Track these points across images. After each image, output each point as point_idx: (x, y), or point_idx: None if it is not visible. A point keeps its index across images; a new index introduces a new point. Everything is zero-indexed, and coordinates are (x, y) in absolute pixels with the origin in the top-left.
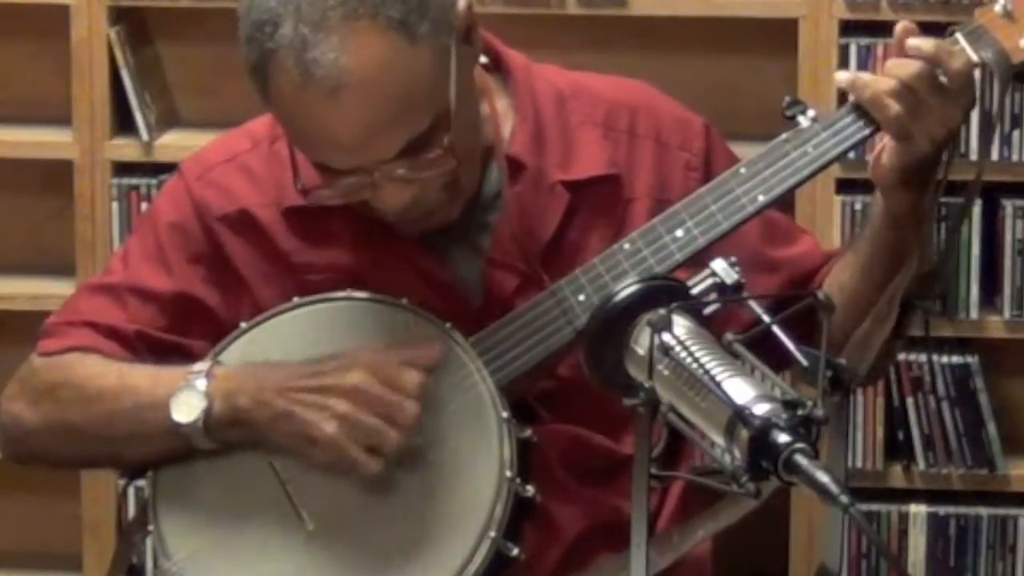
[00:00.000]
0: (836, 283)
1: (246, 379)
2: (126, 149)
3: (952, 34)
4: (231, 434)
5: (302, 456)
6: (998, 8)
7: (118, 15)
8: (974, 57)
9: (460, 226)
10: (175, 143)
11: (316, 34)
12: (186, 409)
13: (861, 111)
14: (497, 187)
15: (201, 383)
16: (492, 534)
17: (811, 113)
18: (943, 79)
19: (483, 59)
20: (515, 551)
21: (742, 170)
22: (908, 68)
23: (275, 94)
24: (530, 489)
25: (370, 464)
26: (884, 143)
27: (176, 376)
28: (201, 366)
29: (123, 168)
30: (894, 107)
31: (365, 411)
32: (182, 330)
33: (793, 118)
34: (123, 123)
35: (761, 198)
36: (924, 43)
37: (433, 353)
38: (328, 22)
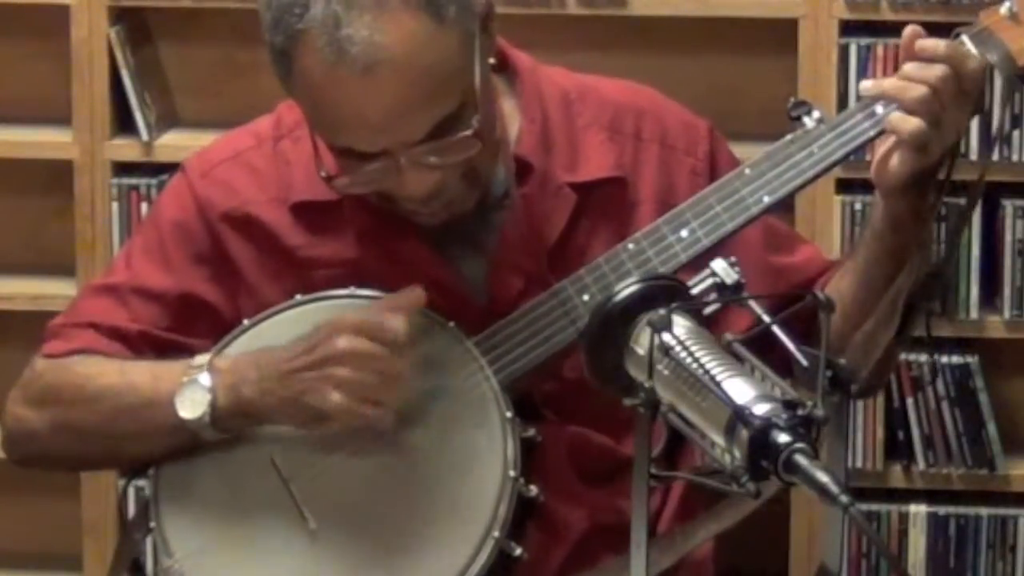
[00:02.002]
0: (835, 290)
1: (247, 369)
2: (126, 149)
3: (957, 36)
4: (237, 424)
5: (317, 432)
6: (1003, 10)
7: (118, 15)
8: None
9: (466, 226)
10: (175, 143)
11: (349, 12)
12: (191, 405)
13: (866, 112)
14: (503, 187)
15: (204, 378)
16: (496, 534)
17: (816, 114)
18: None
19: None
20: (518, 551)
21: (747, 171)
22: (934, 71)
23: (302, 77)
24: (533, 489)
25: (379, 415)
26: (888, 147)
27: (177, 371)
28: (201, 360)
29: (123, 168)
30: (914, 122)
31: (361, 370)
32: (185, 329)
33: (798, 119)
34: (123, 123)
35: (766, 199)
36: (938, 45)
37: (413, 296)
38: (360, 1)
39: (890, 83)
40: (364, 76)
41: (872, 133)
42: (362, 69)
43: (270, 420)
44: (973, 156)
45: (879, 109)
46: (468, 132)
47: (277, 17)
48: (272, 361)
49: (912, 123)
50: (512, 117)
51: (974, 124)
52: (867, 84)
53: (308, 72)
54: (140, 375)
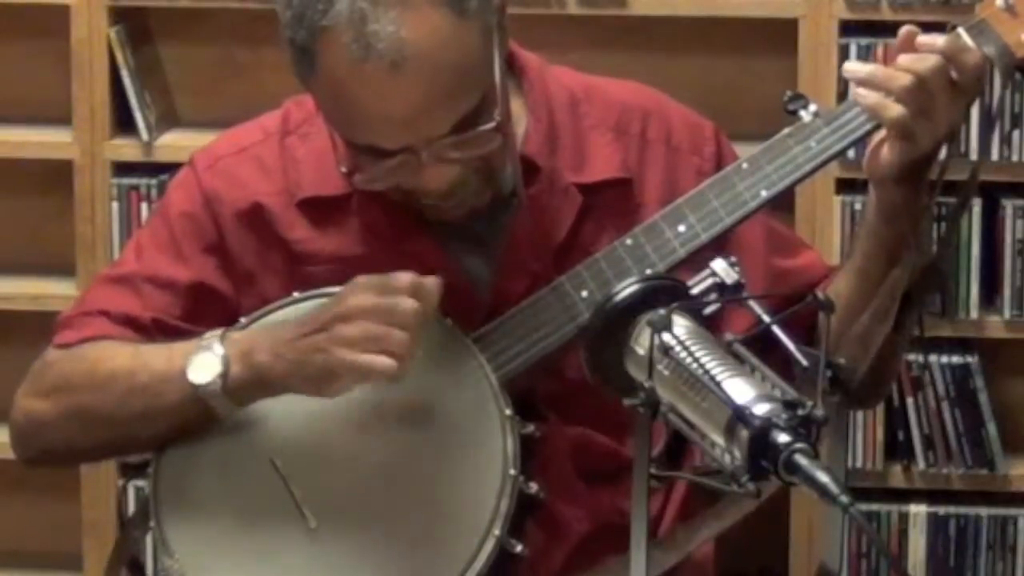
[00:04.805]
0: (834, 291)
1: (260, 338)
2: (126, 149)
3: (954, 29)
4: (250, 393)
5: (328, 395)
6: (1000, 2)
7: (118, 15)
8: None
9: (472, 224)
10: (175, 143)
11: (375, 8)
12: (203, 371)
13: None
14: (510, 186)
15: (217, 346)
16: (496, 531)
17: (813, 108)
18: (954, 75)
19: None
20: (519, 548)
21: (744, 165)
22: (925, 62)
23: (326, 74)
24: (533, 486)
25: (387, 364)
26: (881, 138)
27: (190, 345)
28: (214, 332)
29: (123, 168)
30: (896, 109)
31: (369, 323)
32: (197, 319)
33: (795, 112)
34: (123, 123)
35: (763, 193)
36: (936, 39)
37: (430, 281)
38: None
39: (879, 70)
40: (391, 72)
41: (869, 127)
42: (390, 65)
43: (283, 387)
44: (973, 156)
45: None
46: (491, 125)
47: (299, 13)
48: (286, 329)
49: (894, 110)
50: (519, 117)
51: (974, 123)
52: (852, 66)
53: (333, 69)
54: (153, 354)
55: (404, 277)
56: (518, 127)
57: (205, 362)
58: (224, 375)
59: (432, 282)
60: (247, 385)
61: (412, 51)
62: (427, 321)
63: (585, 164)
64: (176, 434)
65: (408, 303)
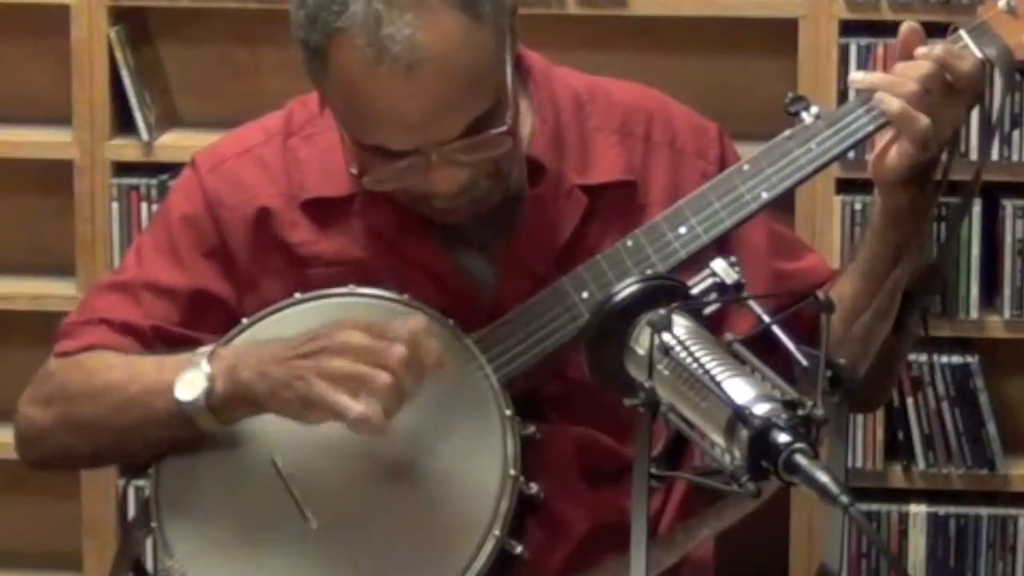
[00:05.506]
0: (836, 292)
1: (248, 354)
2: (126, 149)
3: (956, 30)
4: (235, 412)
5: (305, 423)
6: (1002, 4)
7: (118, 15)
8: (978, 54)
9: (476, 225)
10: (175, 143)
11: (390, 11)
12: (189, 387)
13: (864, 107)
14: (515, 188)
15: (204, 363)
16: (496, 532)
17: (814, 109)
18: (949, 79)
19: None
20: (519, 549)
21: (745, 167)
22: (920, 69)
23: (339, 75)
24: (534, 487)
25: (361, 411)
26: (887, 142)
27: (181, 360)
28: (205, 348)
29: (123, 168)
30: (923, 119)
31: (354, 363)
32: (197, 325)
33: (796, 114)
34: (123, 123)
35: (764, 195)
36: (934, 47)
37: (415, 321)
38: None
39: (880, 78)
40: (406, 75)
41: (871, 128)
42: (404, 68)
43: (265, 406)
44: (973, 156)
45: (877, 104)
46: (503, 129)
47: (313, 15)
48: (275, 348)
49: (922, 120)
50: (524, 117)
51: (974, 123)
52: (858, 76)
53: (346, 71)
54: (146, 366)
55: (404, 326)
56: (524, 128)
57: (192, 379)
58: (208, 392)
59: (433, 344)
60: (230, 401)
61: (427, 54)
62: (420, 377)
63: (590, 166)
64: (169, 445)
65: (399, 351)
